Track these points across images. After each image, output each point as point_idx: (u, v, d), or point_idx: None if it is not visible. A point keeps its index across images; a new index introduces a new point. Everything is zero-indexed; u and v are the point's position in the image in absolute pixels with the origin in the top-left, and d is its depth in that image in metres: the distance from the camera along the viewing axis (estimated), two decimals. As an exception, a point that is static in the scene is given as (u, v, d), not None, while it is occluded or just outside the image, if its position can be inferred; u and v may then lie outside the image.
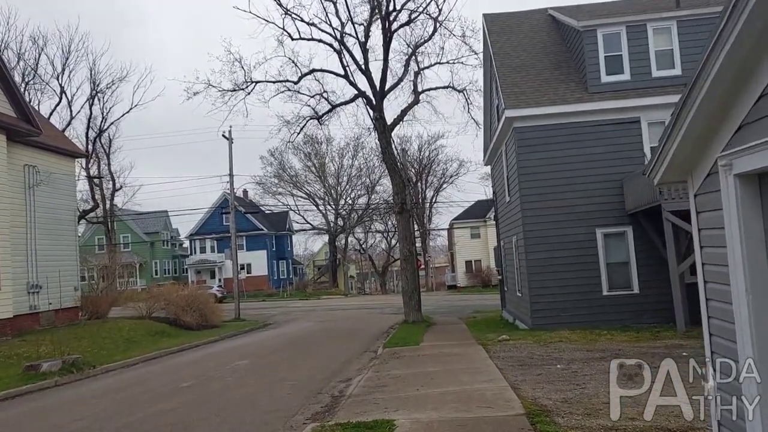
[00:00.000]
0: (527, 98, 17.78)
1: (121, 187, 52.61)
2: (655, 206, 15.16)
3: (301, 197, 66.79)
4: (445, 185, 66.17)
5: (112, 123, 37.26)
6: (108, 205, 52.32)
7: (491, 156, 24.33)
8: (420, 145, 63.42)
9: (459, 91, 26.20)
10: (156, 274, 61.73)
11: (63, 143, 23.94)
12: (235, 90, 23.94)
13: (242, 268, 57.88)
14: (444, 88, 26.34)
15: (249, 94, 24.44)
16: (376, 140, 23.99)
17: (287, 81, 24.17)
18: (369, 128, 25.92)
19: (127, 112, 37.75)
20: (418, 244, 54.88)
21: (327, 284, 66.87)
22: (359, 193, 66.94)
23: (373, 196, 65.09)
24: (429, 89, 25.99)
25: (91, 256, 58.91)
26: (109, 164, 51.50)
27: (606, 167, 17.14)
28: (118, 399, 10.49)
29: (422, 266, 42.66)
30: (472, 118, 27.02)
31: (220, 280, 57.50)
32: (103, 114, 35.22)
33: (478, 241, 60.20)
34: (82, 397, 10.95)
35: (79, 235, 62.57)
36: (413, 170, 61.40)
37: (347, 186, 67.47)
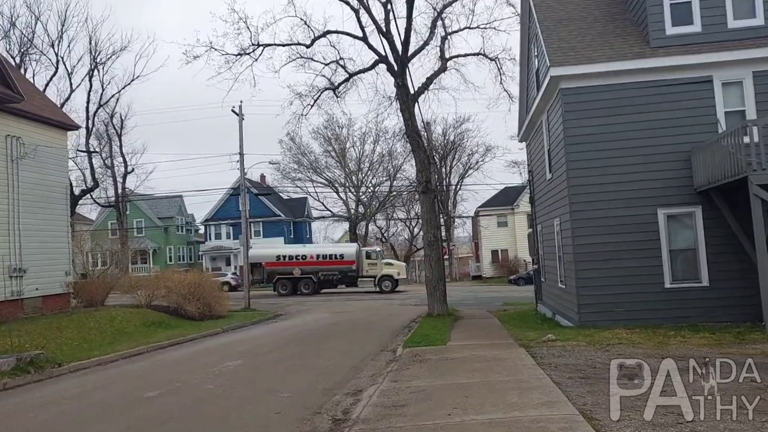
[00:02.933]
0: (577, 54, 15.05)
1: (133, 169, 50.94)
2: (735, 181, 12.39)
3: (321, 183, 64.51)
4: (470, 171, 63.23)
5: (113, 96, 35.21)
6: (120, 189, 50.68)
7: (527, 130, 21.60)
8: (444, 129, 60.57)
9: (491, 60, 23.49)
10: (170, 261, 60.00)
11: (53, 114, 21.79)
12: (240, 55, 21.52)
13: (259, 255, 55.83)
14: (474, 55, 23.67)
15: (256, 60, 22.01)
16: (398, 111, 21.44)
17: (299, 44, 21.68)
18: (390, 97, 23.23)
19: (129, 83, 35.70)
20: (443, 233, 52.23)
21: (348, 273, 64.60)
22: (381, 179, 64.45)
23: (395, 183, 62.52)
24: (457, 56, 23.33)
25: (103, 241, 57.61)
26: (120, 146, 49.86)
27: (671, 136, 14.36)
28: (61, 412, 8.20)
29: (446, 254, 40.03)
30: (505, 90, 24.32)
31: (236, 267, 55.49)
32: (103, 86, 33.09)
33: (505, 230, 57.39)
34: (21, 408, 8.69)
35: (93, 219, 61.41)
36: (437, 155, 58.58)
37: (369, 172, 65.00)
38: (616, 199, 14.53)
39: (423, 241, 22.02)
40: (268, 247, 44.16)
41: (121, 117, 48.58)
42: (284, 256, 39.71)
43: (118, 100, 50.37)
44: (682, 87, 14.43)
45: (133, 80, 35.51)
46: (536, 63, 19.33)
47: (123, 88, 35.96)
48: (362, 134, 69.60)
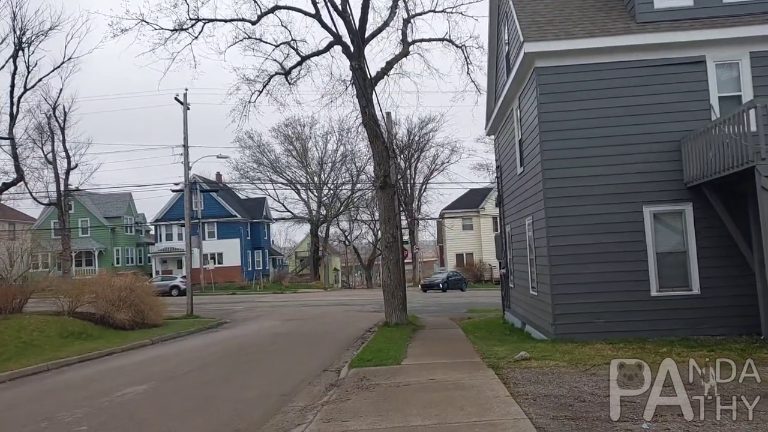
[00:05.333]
0: (554, 29, 13.20)
1: (76, 165, 47.65)
2: (734, 174, 10.67)
3: (282, 184, 61.96)
4: (435, 173, 61.61)
5: (41, 79, 32.14)
6: (62, 185, 47.30)
7: (496, 122, 19.77)
8: (409, 129, 58.76)
9: (457, 47, 21.75)
10: (117, 263, 56.47)
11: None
12: (176, 30, 19.15)
13: (212, 258, 53.19)
14: (439, 40, 21.83)
15: (196, 38, 19.69)
16: (354, 97, 19.37)
17: (243, 20, 19.43)
18: (345, 80, 21.17)
19: (59, 66, 32.51)
20: (406, 237, 50.32)
21: (309, 277, 62.24)
22: (344, 179, 62.25)
23: (358, 184, 60.39)
24: (421, 40, 21.43)
25: (45, 241, 53.86)
26: (63, 140, 46.70)
27: (658, 123, 12.63)
28: None
29: (407, 254, 37.94)
30: (472, 80, 22.53)
31: (187, 270, 52.52)
32: (28, 69, 30.06)
33: (470, 233, 55.85)
34: None
35: (36, 217, 57.61)
36: (398, 149, 56.68)
37: (331, 173, 62.76)
38: (596, 195, 12.72)
39: (381, 241, 19.94)
40: None
41: (64, 109, 45.51)
42: None
43: (61, 91, 47.12)
44: (671, 68, 12.71)
45: (63, 62, 32.40)
46: (506, 47, 17.53)
47: (53, 71, 32.93)
48: (324, 133, 67.46)
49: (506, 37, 17.52)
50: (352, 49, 18.71)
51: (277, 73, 21.40)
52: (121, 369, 12.51)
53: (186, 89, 27.53)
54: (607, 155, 12.75)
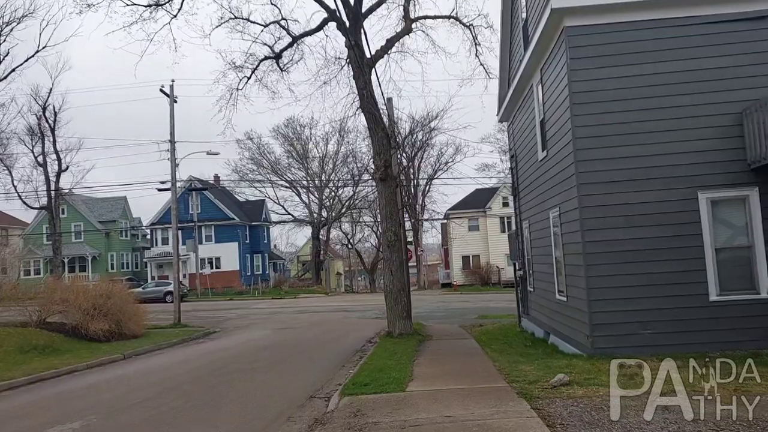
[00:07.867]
0: (586, -20, 11.04)
1: (67, 167, 45.92)
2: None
3: (282, 185, 59.86)
4: (440, 172, 59.49)
5: (13, 70, 30.24)
6: (53, 188, 45.51)
7: (510, 106, 17.60)
8: (412, 127, 56.58)
9: (465, 25, 19.61)
10: (112, 268, 54.38)
11: None
12: (152, 6, 17.06)
13: (210, 262, 51.14)
14: (445, 18, 19.71)
15: (175, 16, 17.64)
16: (351, 78, 17.21)
17: (227, -7, 17.30)
18: (340, 58, 19.07)
19: (32, 56, 30.76)
20: (410, 238, 48.18)
21: (311, 281, 60.11)
22: (346, 179, 60.15)
23: (360, 185, 58.25)
24: (425, 17, 19.31)
25: (37, 247, 51.96)
26: (54, 141, 45.17)
27: (715, 92, 10.48)
28: None
29: (412, 256, 35.69)
30: (481, 63, 20.40)
31: (184, 275, 50.46)
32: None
33: (476, 234, 53.55)
34: None
35: (28, 222, 55.65)
36: (405, 155, 54.60)
37: (333, 174, 60.66)
38: (641, 179, 10.55)
39: (381, 241, 17.77)
40: None
41: (54, 109, 43.88)
42: None
43: (51, 90, 45.44)
44: (730, 25, 10.54)
45: (38, 51, 30.68)
46: (522, 22, 15.42)
47: (26, 60, 31.25)
48: (325, 133, 65.44)
49: (523, 10, 15.41)
50: (347, 24, 16.59)
51: (267, 57, 19.35)
52: (68, 395, 10.35)
53: (173, 80, 25.69)
54: (653, 131, 10.58)
